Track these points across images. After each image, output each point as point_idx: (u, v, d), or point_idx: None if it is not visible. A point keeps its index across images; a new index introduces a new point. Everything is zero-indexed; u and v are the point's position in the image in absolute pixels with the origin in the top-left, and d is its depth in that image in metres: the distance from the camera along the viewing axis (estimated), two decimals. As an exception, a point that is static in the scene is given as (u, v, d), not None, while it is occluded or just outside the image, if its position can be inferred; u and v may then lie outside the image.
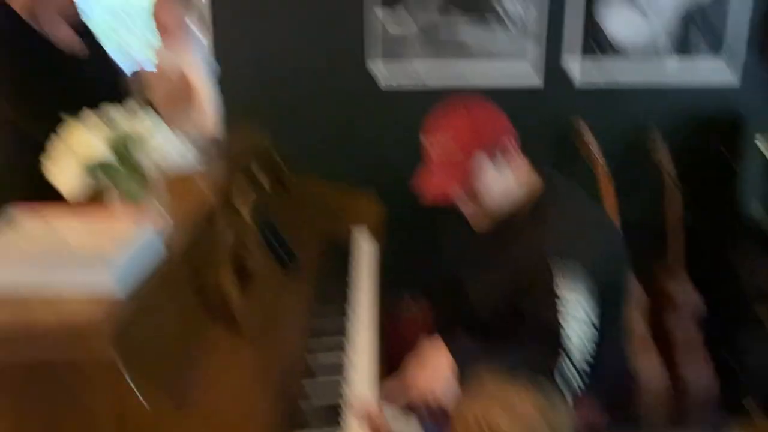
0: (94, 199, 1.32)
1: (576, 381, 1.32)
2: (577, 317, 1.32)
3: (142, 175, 1.14)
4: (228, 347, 1.22)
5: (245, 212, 1.44)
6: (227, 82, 2.38)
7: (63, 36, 1.74)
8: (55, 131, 1.14)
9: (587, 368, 1.33)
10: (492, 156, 1.46)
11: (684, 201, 2.33)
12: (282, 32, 2.37)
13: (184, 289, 1.20)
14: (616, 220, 2.24)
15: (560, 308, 1.31)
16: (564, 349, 1.31)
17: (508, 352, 1.36)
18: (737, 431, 2.29)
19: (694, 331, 2.26)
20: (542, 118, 2.41)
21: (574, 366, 1.31)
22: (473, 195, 1.49)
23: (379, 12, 2.33)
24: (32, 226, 1.06)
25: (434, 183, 1.48)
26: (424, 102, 2.33)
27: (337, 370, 1.45)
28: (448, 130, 1.46)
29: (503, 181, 1.48)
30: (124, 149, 1.11)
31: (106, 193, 1.18)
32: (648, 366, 2.20)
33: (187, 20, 1.86)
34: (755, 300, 2.28)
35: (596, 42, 2.36)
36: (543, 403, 1.04)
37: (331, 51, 2.38)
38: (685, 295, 2.26)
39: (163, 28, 1.84)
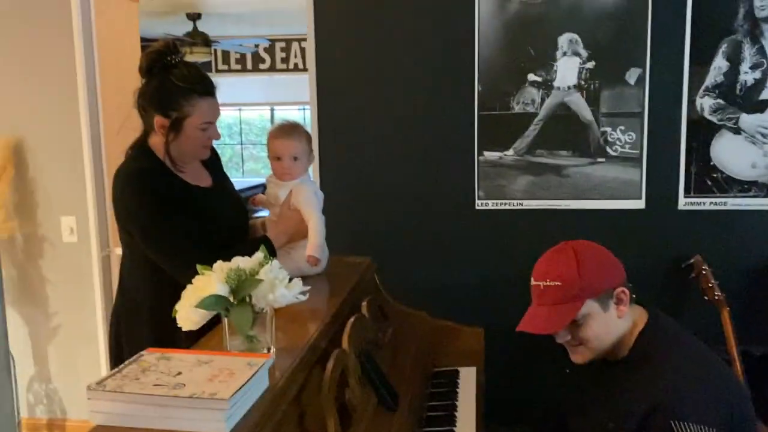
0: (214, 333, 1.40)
1: None
2: None
3: (252, 309, 1.19)
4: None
5: (349, 347, 1.45)
6: (333, 211, 2.51)
7: (193, 172, 1.84)
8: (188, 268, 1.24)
9: None
10: (602, 305, 1.45)
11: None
12: (383, 155, 2.49)
13: (288, 423, 1.20)
14: (736, 354, 2.08)
15: None
16: None
17: None
18: None
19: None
20: (647, 244, 2.33)
21: None
22: (579, 339, 1.48)
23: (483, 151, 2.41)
24: (156, 366, 1.12)
25: (540, 326, 1.47)
26: (524, 222, 2.37)
27: None
28: (556, 277, 1.46)
29: (612, 327, 1.47)
30: (237, 284, 1.17)
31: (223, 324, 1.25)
32: None
33: (303, 152, 1.92)
34: None
35: (707, 174, 2.31)
36: None
37: (444, 192, 2.46)
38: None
39: (278, 157, 1.90)
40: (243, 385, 1.03)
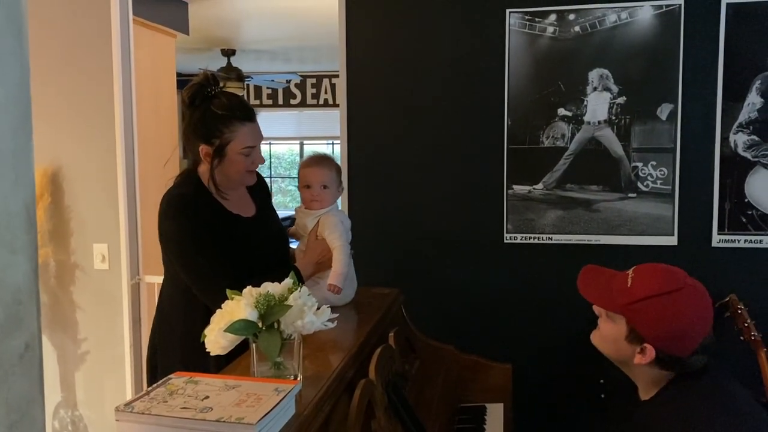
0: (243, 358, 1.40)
1: None
2: None
3: (280, 335, 1.19)
4: None
5: (377, 377, 1.44)
6: (362, 243, 2.51)
7: (237, 201, 1.87)
8: (219, 295, 1.25)
9: None
10: (628, 335, 1.37)
11: None
12: (412, 188, 2.49)
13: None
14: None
15: None
16: None
17: None
18: None
19: None
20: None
21: None
22: (599, 324, 1.45)
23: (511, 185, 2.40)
24: (184, 389, 1.12)
25: (588, 281, 1.46)
26: (553, 256, 2.34)
27: None
28: (640, 279, 1.37)
29: (622, 355, 1.40)
30: (266, 309, 1.18)
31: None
32: None
33: (332, 181, 1.94)
34: None
35: (740, 211, 2.27)
36: None
37: (473, 226, 2.45)
38: None
39: (307, 185, 1.92)
40: (270, 411, 1.03)
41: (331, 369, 1.38)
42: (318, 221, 1.93)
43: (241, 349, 1.30)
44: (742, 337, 2.14)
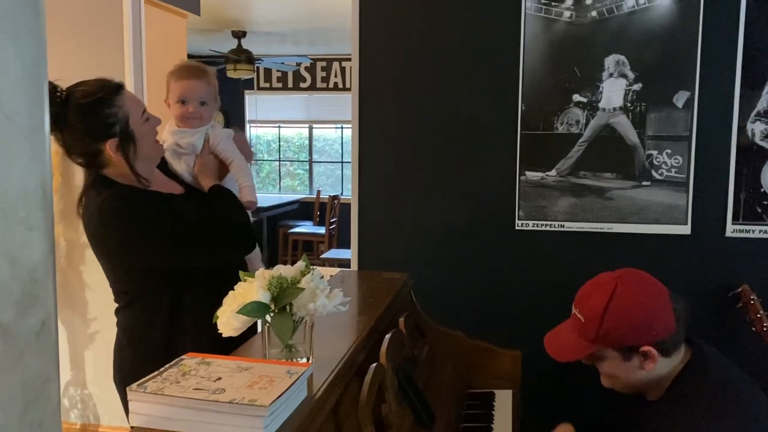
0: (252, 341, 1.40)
1: None
2: None
3: (291, 316, 1.18)
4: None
5: (387, 362, 1.43)
6: (372, 228, 2.51)
7: (161, 185, 1.73)
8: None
9: None
10: (623, 355, 1.38)
11: None
12: (423, 173, 2.47)
13: (325, 437, 1.19)
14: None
15: None
16: None
17: None
18: None
19: None
20: (689, 267, 2.27)
21: None
22: (600, 370, 1.44)
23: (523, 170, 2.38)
24: (197, 370, 1.12)
25: (554, 349, 1.47)
26: (564, 243, 2.33)
27: None
28: (583, 311, 1.41)
29: (632, 374, 1.40)
30: (279, 292, 1.17)
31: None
32: None
33: (213, 98, 1.84)
34: None
35: (756, 201, 2.24)
36: None
37: (484, 212, 2.43)
38: None
39: (183, 101, 1.79)
40: (283, 393, 1.02)
41: (342, 353, 1.38)
42: (206, 137, 1.83)
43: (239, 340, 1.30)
44: (753, 328, 2.12)
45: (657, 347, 1.35)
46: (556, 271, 2.39)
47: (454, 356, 2.06)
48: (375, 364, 1.36)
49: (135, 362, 1.69)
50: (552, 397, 2.35)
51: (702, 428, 1.27)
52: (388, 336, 1.52)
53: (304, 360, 1.25)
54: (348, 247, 2.74)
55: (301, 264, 1.27)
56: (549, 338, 1.50)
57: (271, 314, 1.20)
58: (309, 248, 7.20)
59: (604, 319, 1.35)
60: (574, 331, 1.42)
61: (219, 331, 1.21)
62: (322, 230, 7.18)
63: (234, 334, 1.22)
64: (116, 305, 1.74)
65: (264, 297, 1.19)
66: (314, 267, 1.29)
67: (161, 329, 1.67)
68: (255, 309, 1.18)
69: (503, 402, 2.05)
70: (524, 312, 2.41)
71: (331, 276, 2.19)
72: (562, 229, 2.38)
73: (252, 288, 1.20)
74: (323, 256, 6.33)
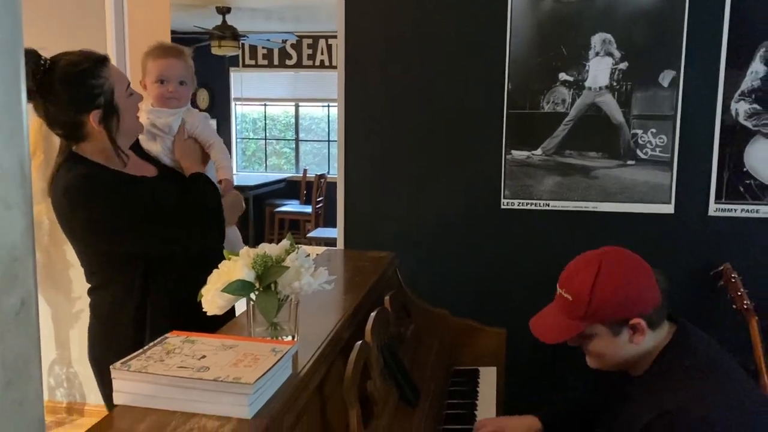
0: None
1: None
2: None
3: (276, 294, 1.18)
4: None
5: (372, 340, 1.44)
6: (358, 207, 2.51)
7: (135, 166, 1.70)
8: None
9: None
10: (613, 330, 1.39)
11: None
12: (409, 152, 2.47)
13: (311, 412, 1.20)
14: (763, 366, 2.03)
15: None
16: None
17: None
18: None
19: None
20: (672, 246, 2.29)
21: None
22: (587, 350, 1.45)
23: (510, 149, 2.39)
24: (181, 348, 1.12)
25: (543, 331, 1.45)
26: (548, 222, 2.35)
27: None
28: (570, 291, 1.40)
29: (621, 350, 1.41)
30: (263, 270, 1.17)
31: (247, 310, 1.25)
32: None
33: (191, 77, 1.83)
34: None
35: (738, 179, 2.26)
36: None
37: (470, 191, 2.44)
38: None
39: (162, 80, 1.77)
40: (267, 371, 1.03)
41: (327, 331, 1.39)
42: (182, 120, 1.81)
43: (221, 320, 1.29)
44: (734, 306, 2.15)
45: (645, 319, 1.37)
46: (540, 250, 2.40)
47: (440, 334, 2.08)
48: (360, 342, 1.37)
49: (105, 344, 1.67)
50: (535, 375, 2.37)
51: (685, 404, 1.29)
52: (373, 314, 1.53)
53: (289, 338, 1.26)
54: (335, 226, 2.73)
55: (285, 242, 1.27)
56: (535, 322, 1.49)
57: (256, 293, 1.21)
58: (295, 227, 7.19)
59: (592, 295, 1.36)
60: (561, 312, 1.42)
61: (198, 314, 1.21)
62: (308, 209, 7.16)
63: (219, 312, 1.22)
64: (88, 285, 1.72)
65: (248, 275, 1.19)
66: (299, 245, 1.30)
67: (132, 312, 1.64)
68: (240, 287, 1.18)
69: (488, 379, 2.08)
70: (509, 291, 2.43)
71: (316, 255, 2.19)
72: (547, 208, 2.39)
73: (236, 266, 1.19)
74: (309, 235, 6.33)
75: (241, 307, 1.33)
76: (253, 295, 1.21)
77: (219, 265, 1.21)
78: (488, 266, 2.45)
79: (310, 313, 1.57)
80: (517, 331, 2.25)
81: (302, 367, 1.19)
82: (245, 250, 1.24)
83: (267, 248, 1.24)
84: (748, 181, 2.27)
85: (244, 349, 1.11)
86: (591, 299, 1.36)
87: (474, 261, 2.46)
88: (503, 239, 2.43)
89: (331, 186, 6.24)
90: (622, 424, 1.39)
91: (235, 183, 1.97)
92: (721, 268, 2.20)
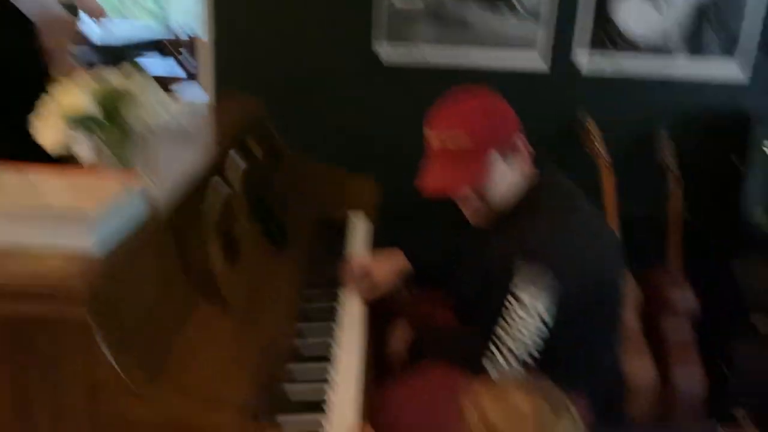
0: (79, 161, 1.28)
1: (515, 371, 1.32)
2: (525, 317, 1.31)
3: (128, 131, 1.09)
4: (210, 320, 1.18)
5: (235, 181, 1.39)
6: (225, 55, 2.34)
7: None
8: None
9: (531, 361, 1.33)
10: (504, 154, 1.40)
11: (687, 201, 2.29)
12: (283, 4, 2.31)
13: (167, 255, 1.15)
14: (614, 216, 2.20)
15: (509, 307, 1.32)
16: (499, 344, 1.32)
17: (451, 337, 1.53)
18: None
19: (688, 335, 2.22)
20: (546, 105, 2.35)
21: (512, 360, 1.32)
22: (481, 193, 1.43)
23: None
24: (12, 182, 1.01)
25: (442, 182, 1.40)
26: (427, 80, 2.32)
27: (325, 355, 1.41)
28: (460, 127, 1.37)
29: (512, 178, 1.43)
30: (110, 103, 1.06)
31: (93, 150, 1.14)
32: (639, 366, 2.16)
33: None
34: (752, 308, 2.24)
35: (606, 33, 2.31)
36: (545, 409, 1.01)
37: (336, 29, 2.32)
38: (682, 298, 2.22)
39: None
40: (113, 202, 0.95)
41: (187, 169, 1.31)
42: None
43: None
44: (592, 159, 2.26)
45: (519, 138, 1.41)
46: (416, 102, 2.36)
47: (311, 183, 2.05)
48: (221, 180, 1.31)
49: None
50: (404, 222, 2.43)
51: (546, 240, 1.35)
52: (237, 155, 1.46)
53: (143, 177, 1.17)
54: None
55: (130, 68, 1.14)
56: (429, 181, 1.42)
57: (102, 126, 1.10)
58: (164, 88, 6.71)
59: (488, 121, 1.37)
60: (455, 157, 1.38)
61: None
62: (178, 70, 6.68)
63: (56, 149, 1.10)
64: None
65: (91, 108, 1.08)
66: (149, 76, 1.18)
67: None
68: (83, 120, 1.06)
69: (358, 226, 2.10)
70: (383, 143, 2.41)
71: (180, 102, 2.05)
72: (424, 62, 2.34)
73: (75, 96, 1.07)
74: (177, 89, 5.95)
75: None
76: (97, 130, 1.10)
77: (48, 91, 1.08)
78: (362, 118, 2.40)
79: (169, 152, 1.48)
80: (389, 181, 2.28)
81: (158, 204, 1.13)
82: (86, 78, 1.11)
83: (110, 76, 1.12)
84: (615, 38, 2.31)
85: (88, 182, 1.02)
86: (484, 124, 1.37)
87: (347, 112, 2.40)
88: (378, 92, 2.37)
89: (201, 44, 5.81)
90: (485, 262, 1.45)
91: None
92: (584, 122, 2.29)
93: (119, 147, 1.10)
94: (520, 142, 1.42)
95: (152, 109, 1.12)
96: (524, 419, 0.99)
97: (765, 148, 2.22)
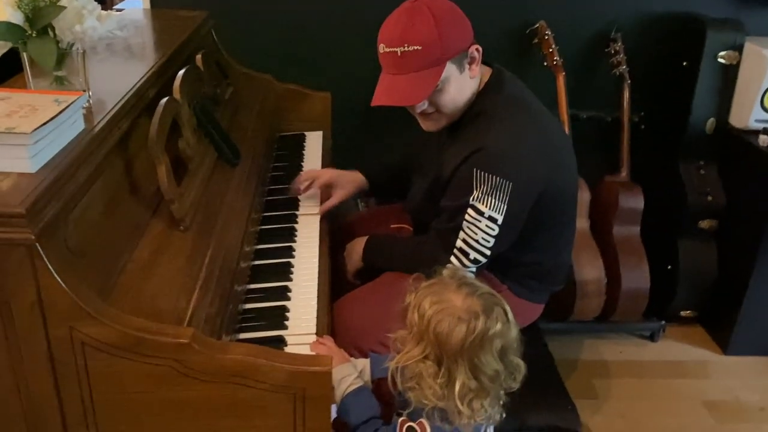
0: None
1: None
2: (481, 223, 1.35)
3: (55, 41, 1.02)
4: (162, 238, 1.15)
5: (181, 96, 1.33)
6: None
7: None
8: None
9: (483, 259, 1.38)
10: (460, 65, 1.38)
11: (637, 104, 2.32)
12: None
13: (112, 169, 1.11)
14: (566, 117, 2.22)
15: (468, 218, 1.35)
16: (455, 251, 1.38)
17: (405, 244, 1.56)
18: (664, 337, 2.39)
19: (636, 236, 2.30)
20: (499, 8, 2.29)
21: (465, 261, 1.38)
22: (437, 105, 1.41)
23: None
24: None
25: (404, 97, 1.38)
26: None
27: (281, 273, 1.41)
28: (416, 41, 1.33)
29: (466, 88, 1.41)
30: (33, 11, 0.99)
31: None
32: (588, 266, 2.23)
33: None
34: (699, 213, 2.31)
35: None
36: (476, 308, 1.04)
37: None
38: (631, 200, 2.28)
39: None
40: (49, 120, 0.91)
41: (128, 86, 1.25)
42: None
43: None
44: (545, 63, 2.25)
45: (478, 46, 1.39)
46: (364, 11, 2.29)
47: (262, 99, 2.00)
48: (167, 98, 1.26)
49: None
50: (360, 137, 2.40)
51: (499, 138, 1.35)
52: (182, 71, 1.40)
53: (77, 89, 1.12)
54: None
55: (58, -23, 1.07)
56: (385, 95, 1.39)
57: (28, 38, 1.03)
58: (100, 0, 6.35)
59: (441, 31, 1.32)
60: (412, 69, 1.35)
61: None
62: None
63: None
64: None
65: (15, 17, 1.01)
66: (77, -17, 1.10)
67: None
68: (5, 30, 1.00)
69: (313, 142, 2.08)
70: (334, 57, 2.34)
71: (117, 14, 1.93)
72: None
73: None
74: (118, 6, 5.64)
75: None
76: (25, 43, 1.04)
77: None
78: (311, 31, 2.32)
79: (109, 69, 1.42)
80: (342, 94, 2.23)
81: (98, 122, 1.08)
82: (9, -12, 1.03)
83: (36, -14, 1.04)
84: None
85: (19, 100, 0.97)
86: (440, 35, 1.32)
87: (294, 27, 2.30)
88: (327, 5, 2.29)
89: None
90: (441, 165, 1.45)
91: None
92: (536, 26, 2.26)
93: (47, 58, 1.04)
94: (476, 51, 1.40)
95: (84, 20, 1.05)
96: (453, 311, 1.04)
97: (720, 60, 2.22)
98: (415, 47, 1.33)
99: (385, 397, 1.19)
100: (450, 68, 1.36)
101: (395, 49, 1.35)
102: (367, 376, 1.23)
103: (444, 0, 1.40)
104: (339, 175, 1.75)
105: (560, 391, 1.50)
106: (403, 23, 1.35)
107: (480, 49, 1.41)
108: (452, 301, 1.05)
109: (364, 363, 1.26)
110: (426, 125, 1.48)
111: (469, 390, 1.03)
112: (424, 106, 1.41)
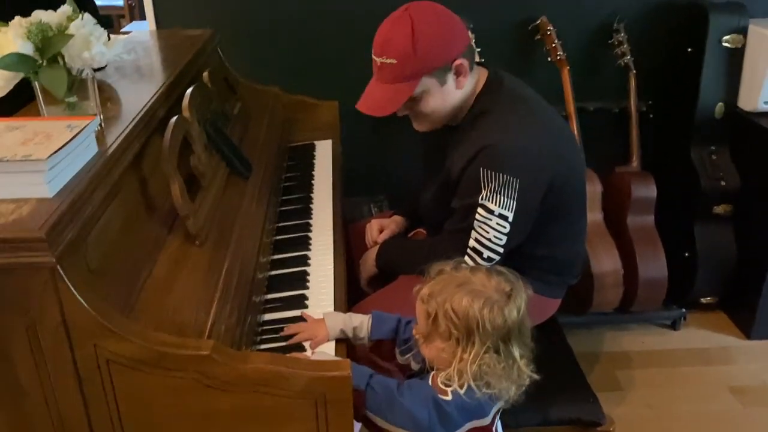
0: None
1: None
2: (492, 222, 1.36)
3: (65, 69, 1.05)
4: (179, 254, 1.18)
5: (191, 114, 1.36)
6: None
7: None
8: None
9: (496, 257, 1.39)
10: (439, 79, 1.38)
11: (644, 93, 2.32)
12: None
13: (128, 190, 1.14)
14: (573, 111, 2.22)
15: (478, 216, 1.36)
16: (469, 249, 1.39)
17: (419, 246, 1.58)
18: (685, 324, 2.37)
19: (651, 225, 2.29)
20: (501, 2, 2.31)
21: (479, 260, 1.39)
22: (418, 113, 1.44)
23: None
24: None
25: (375, 106, 1.40)
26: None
27: (297, 283, 1.43)
28: (392, 54, 1.35)
29: (449, 98, 1.42)
30: (43, 41, 1.02)
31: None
32: (603, 256, 2.23)
33: None
34: (713, 198, 2.30)
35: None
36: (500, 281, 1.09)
37: None
38: (643, 190, 2.27)
39: None
40: (63, 146, 0.94)
41: (138, 107, 1.28)
42: None
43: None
44: (549, 58, 2.26)
45: (464, 58, 1.39)
46: (367, 20, 2.30)
47: (270, 111, 2.02)
48: (176, 116, 1.28)
49: None
50: (370, 143, 2.42)
51: (504, 135, 1.36)
52: (190, 89, 1.43)
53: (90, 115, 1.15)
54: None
55: (66, 8, 1.10)
56: (363, 102, 1.43)
57: (39, 68, 1.06)
58: (108, 24, 6.45)
59: (416, 47, 1.33)
60: (388, 81, 1.38)
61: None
62: (120, 1, 6.39)
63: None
64: None
65: (25, 48, 1.04)
66: (84, 11, 1.13)
67: None
68: (17, 61, 1.03)
69: (323, 150, 2.10)
70: (341, 66, 2.36)
71: (124, 38, 1.97)
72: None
73: (7, 39, 1.03)
74: (124, 29, 5.72)
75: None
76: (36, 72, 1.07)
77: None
78: (317, 42, 2.35)
79: (119, 92, 1.45)
80: (351, 103, 2.25)
81: (110, 144, 1.11)
82: (17, 20, 1.06)
83: (43, 16, 1.08)
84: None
85: (33, 128, 1.00)
86: (415, 51, 1.33)
87: (302, 37, 2.33)
88: (328, 11, 2.31)
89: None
90: (449, 167, 1.46)
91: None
92: (538, 21, 2.27)
93: (58, 86, 1.07)
94: (465, 60, 1.39)
95: (92, 46, 1.08)
96: (490, 296, 1.06)
97: (725, 44, 2.21)
98: (391, 60, 1.35)
99: (385, 360, 1.20)
100: (428, 81, 1.37)
101: (376, 59, 1.39)
102: (364, 333, 1.25)
103: (433, 10, 1.38)
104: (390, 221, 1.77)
105: (581, 383, 1.50)
106: (385, 34, 1.37)
107: (465, 63, 1.38)
108: (486, 288, 1.07)
109: (361, 319, 1.26)
110: (415, 125, 1.51)
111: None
112: (405, 111, 1.44)
